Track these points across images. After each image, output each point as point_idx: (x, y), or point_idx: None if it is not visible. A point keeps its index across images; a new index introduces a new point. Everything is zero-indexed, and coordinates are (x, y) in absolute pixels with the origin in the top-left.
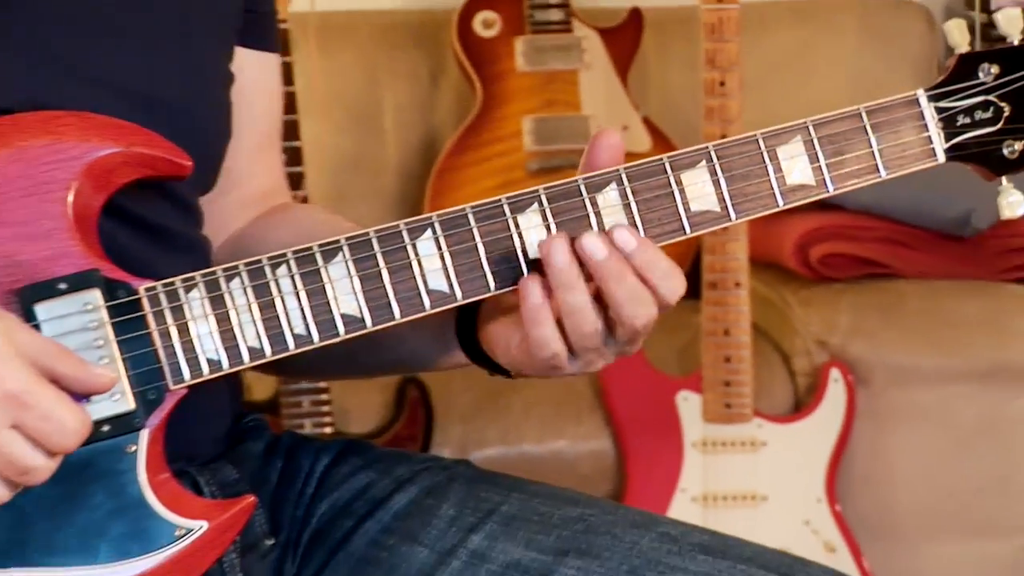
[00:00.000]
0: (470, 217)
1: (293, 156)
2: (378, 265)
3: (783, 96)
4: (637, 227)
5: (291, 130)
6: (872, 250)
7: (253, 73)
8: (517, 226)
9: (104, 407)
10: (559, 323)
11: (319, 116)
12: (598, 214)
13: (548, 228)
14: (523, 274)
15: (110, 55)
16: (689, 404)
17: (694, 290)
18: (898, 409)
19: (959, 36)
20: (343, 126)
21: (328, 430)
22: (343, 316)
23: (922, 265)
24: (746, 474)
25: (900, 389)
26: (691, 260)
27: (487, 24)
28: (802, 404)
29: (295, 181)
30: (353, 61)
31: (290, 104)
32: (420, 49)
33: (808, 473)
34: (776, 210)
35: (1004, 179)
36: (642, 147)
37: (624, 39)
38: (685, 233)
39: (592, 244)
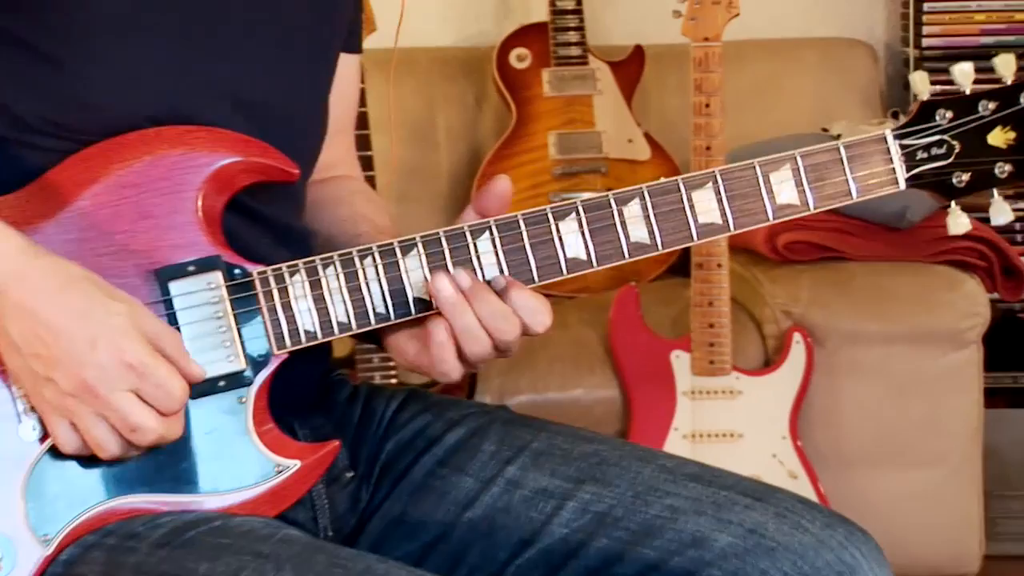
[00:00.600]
0: (521, 222)
1: (366, 163)
2: (445, 259)
3: (757, 116)
4: (655, 235)
5: (364, 142)
6: (827, 238)
7: (339, 71)
8: (558, 231)
9: (221, 366)
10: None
11: (386, 132)
12: (624, 223)
13: (583, 234)
14: (562, 272)
15: (238, 75)
16: (680, 361)
17: (684, 270)
18: (847, 365)
19: (921, 86)
20: (405, 140)
21: (394, 381)
22: (415, 300)
23: (867, 250)
24: (726, 417)
25: (849, 349)
26: None
27: (520, 58)
28: (771, 361)
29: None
30: (414, 88)
31: (363, 121)
32: (467, 79)
33: (775, 416)
34: (767, 224)
35: (953, 203)
36: (643, 156)
37: (629, 70)
38: (693, 240)
39: (461, 277)
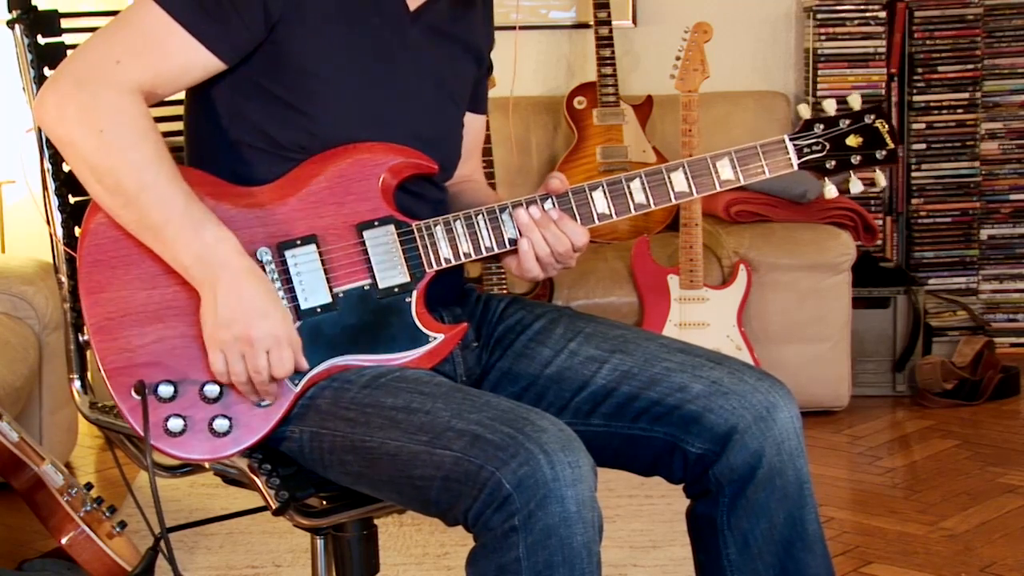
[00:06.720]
0: (569, 193)
1: (487, 165)
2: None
3: (717, 137)
4: (649, 198)
5: (487, 152)
6: (760, 208)
7: (470, 124)
8: (592, 197)
9: (396, 279)
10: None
11: (502, 145)
12: (631, 192)
13: (606, 197)
14: (595, 220)
15: (407, 116)
16: (673, 280)
17: (675, 227)
18: (771, 283)
19: (805, 112)
20: (515, 151)
21: (504, 291)
22: (509, 240)
23: (783, 216)
24: (699, 313)
25: (772, 273)
26: (674, 213)
27: (580, 102)
28: (727, 281)
29: (489, 177)
30: (519, 119)
31: (487, 139)
32: (548, 114)
33: (728, 313)
34: (716, 191)
35: (827, 179)
36: (652, 160)
37: (644, 110)
38: (671, 202)
39: (533, 211)
